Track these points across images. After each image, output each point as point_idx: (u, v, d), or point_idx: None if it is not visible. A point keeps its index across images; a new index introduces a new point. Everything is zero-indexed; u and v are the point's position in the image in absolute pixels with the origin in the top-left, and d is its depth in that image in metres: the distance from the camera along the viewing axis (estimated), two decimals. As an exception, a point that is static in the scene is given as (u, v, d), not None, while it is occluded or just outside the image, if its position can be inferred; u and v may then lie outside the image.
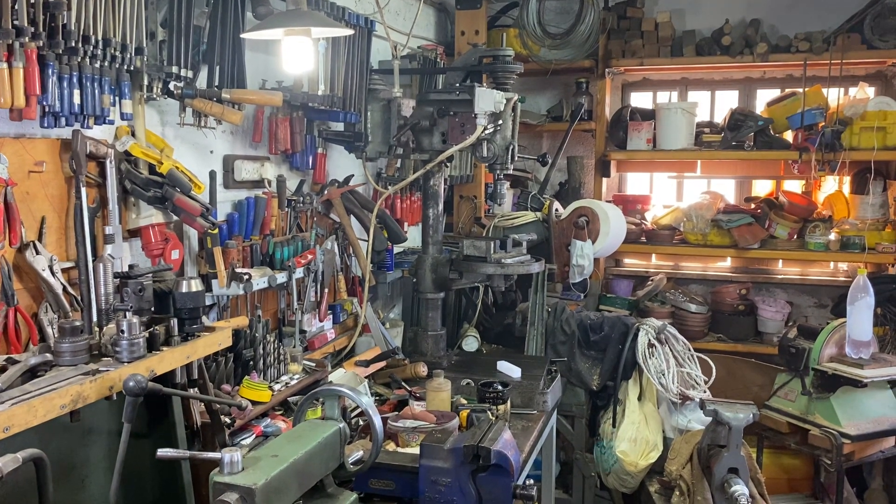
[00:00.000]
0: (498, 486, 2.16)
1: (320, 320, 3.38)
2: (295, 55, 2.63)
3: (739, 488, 3.01)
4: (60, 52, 2.00)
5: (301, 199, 3.28)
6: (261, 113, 3.07)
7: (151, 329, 1.93)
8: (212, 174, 2.82)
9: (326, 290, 3.41)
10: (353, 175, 3.67)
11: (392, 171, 4.07)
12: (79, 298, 2.18)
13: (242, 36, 2.62)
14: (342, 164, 3.73)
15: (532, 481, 2.25)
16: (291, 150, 3.22)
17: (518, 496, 2.18)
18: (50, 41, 1.96)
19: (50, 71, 1.99)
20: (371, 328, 3.66)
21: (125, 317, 1.84)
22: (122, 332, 1.82)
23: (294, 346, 3.03)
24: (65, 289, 2.16)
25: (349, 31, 2.71)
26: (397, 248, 4.09)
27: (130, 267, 2.09)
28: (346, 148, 3.60)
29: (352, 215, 3.61)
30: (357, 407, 2.58)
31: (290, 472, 1.74)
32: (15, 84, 1.89)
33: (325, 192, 3.50)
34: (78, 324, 1.79)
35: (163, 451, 1.69)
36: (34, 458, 1.54)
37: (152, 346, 1.91)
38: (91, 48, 2.06)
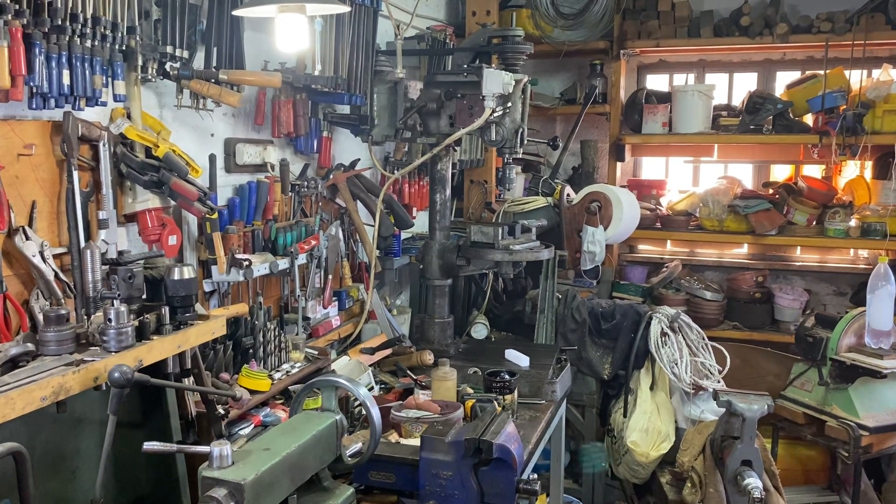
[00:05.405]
0: (500, 481, 2.10)
1: (324, 307, 3.33)
2: (289, 33, 2.54)
3: (752, 481, 2.95)
4: (47, 30, 1.93)
5: (305, 183, 3.22)
6: (263, 95, 2.99)
7: (141, 317, 1.87)
8: (211, 158, 2.75)
9: (330, 277, 3.35)
10: (359, 159, 3.60)
11: (399, 155, 3.99)
12: (71, 285, 2.13)
13: (235, 13, 2.54)
14: (348, 148, 3.66)
15: (536, 475, 2.18)
16: (295, 134, 3.15)
17: (521, 491, 2.12)
18: (35, 19, 1.89)
19: (37, 50, 1.92)
20: (377, 315, 3.60)
21: (113, 305, 1.78)
22: (110, 320, 1.76)
23: (297, 334, 2.98)
24: (56, 275, 2.10)
25: (345, 9, 2.61)
26: (404, 234, 4.02)
27: (120, 253, 2.03)
28: (351, 131, 3.52)
29: (358, 200, 3.55)
30: (359, 396, 2.54)
31: (282, 467, 1.68)
32: (-1, 63, 1.83)
33: (331, 176, 3.43)
34: (63, 312, 1.72)
35: (149, 445, 1.63)
36: (13, 452, 1.48)
37: (142, 335, 1.84)
38: (79, 27, 1.99)
